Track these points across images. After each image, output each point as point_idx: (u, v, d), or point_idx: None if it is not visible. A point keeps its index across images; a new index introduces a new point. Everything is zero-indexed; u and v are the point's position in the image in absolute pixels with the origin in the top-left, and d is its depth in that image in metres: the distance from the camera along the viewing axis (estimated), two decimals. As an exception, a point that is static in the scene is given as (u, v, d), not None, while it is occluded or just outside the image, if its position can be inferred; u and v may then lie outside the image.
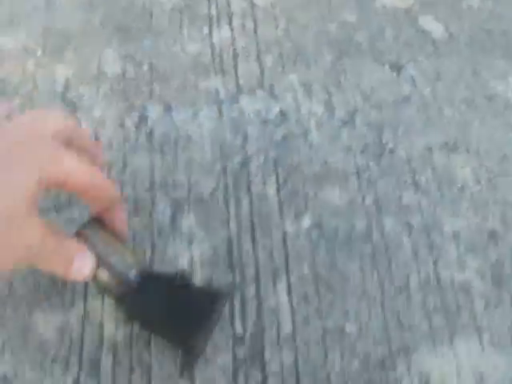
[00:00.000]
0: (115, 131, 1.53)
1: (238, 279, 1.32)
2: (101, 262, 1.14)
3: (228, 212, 1.41)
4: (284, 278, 1.32)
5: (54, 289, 1.32)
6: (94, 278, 1.15)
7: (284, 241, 1.37)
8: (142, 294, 1.15)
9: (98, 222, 1.19)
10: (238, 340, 1.27)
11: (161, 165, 1.47)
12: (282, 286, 1.31)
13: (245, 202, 1.42)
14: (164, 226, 1.39)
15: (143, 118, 1.55)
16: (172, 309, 1.15)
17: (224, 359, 1.25)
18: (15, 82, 1.60)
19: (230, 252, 1.36)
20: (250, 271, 1.33)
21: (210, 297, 1.19)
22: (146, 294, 1.15)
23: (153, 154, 1.49)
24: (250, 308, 1.30)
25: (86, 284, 1.32)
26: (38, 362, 1.25)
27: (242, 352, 1.26)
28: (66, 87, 1.60)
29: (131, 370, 1.24)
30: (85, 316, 1.29)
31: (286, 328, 1.27)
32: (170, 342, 1.22)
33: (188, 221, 1.40)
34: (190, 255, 1.35)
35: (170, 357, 1.25)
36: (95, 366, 1.24)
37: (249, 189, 1.43)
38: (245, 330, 1.28)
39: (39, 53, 1.68)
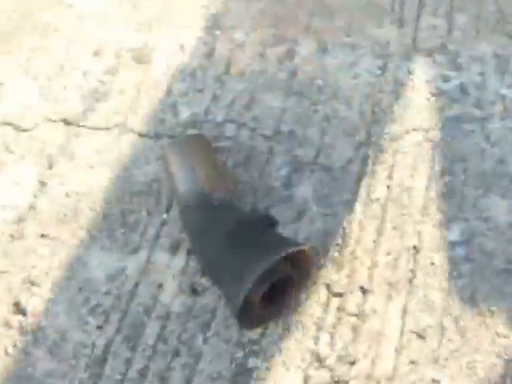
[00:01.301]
0: (253, 59, 1.25)
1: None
2: (190, 172, 1.05)
3: (355, 188, 1.09)
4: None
5: (122, 225, 1.08)
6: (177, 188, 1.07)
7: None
8: (214, 216, 1.01)
9: (205, 141, 1.12)
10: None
11: (293, 112, 1.18)
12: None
13: (381, 186, 1.10)
14: (274, 187, 1.10)
15: (290, 53, 1.26)
16: (231, 247, 0.98)
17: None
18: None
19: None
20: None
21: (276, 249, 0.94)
22: (217, 219, 1.01)
23: (288, 98, 1.20)
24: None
25: (158, 233, 1.07)
26: (75, 306, 1.01)
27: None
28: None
29: (175, 352, 0.97)
30: (144, 269, 1.04)
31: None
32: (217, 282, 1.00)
33: (304, 189, 1.10)
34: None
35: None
36: (137, 333, 0.99)
37: (390, 174, 1.11)
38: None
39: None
